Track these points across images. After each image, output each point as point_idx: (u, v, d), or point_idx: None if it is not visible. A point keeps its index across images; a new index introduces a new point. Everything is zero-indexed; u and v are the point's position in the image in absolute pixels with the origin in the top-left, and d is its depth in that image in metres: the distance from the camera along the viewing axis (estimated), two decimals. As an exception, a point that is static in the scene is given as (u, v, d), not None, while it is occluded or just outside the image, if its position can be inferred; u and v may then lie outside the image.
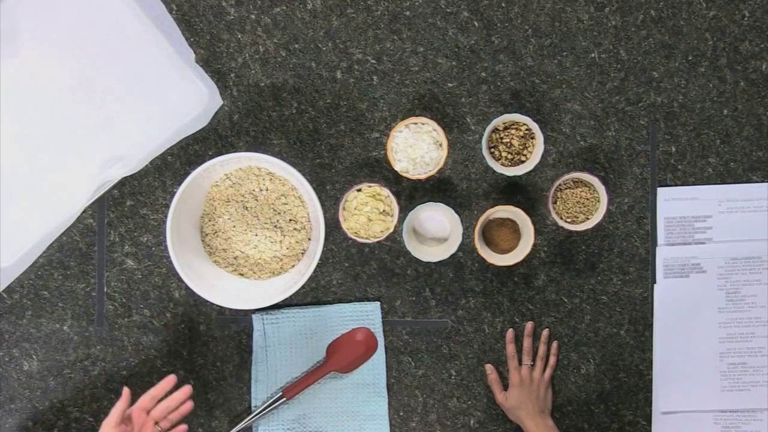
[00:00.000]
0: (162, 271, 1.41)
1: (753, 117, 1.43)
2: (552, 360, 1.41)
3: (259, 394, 1.41)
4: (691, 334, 1.42)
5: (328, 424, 1.41)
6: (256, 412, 1.39)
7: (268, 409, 1.39)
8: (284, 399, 1.39)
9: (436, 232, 1.41)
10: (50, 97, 1.35)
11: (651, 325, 1.43)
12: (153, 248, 1.41)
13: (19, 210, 1.35)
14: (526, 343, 1.40)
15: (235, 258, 1.38)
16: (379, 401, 1.41)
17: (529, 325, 1.41)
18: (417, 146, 1.36)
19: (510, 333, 1.41)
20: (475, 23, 1.41)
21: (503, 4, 1.41)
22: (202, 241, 1.39)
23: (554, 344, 1.41)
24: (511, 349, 1.41)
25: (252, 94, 1.41)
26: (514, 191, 1.42)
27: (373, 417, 1.41)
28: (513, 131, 1.38)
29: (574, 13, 1.41)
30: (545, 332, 1.41)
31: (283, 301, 1.33)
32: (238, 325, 1.42)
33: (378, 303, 1.41)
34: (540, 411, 1.37)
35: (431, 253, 1.39)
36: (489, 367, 1.41)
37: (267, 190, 1.38)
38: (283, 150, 1.41)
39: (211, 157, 1.38)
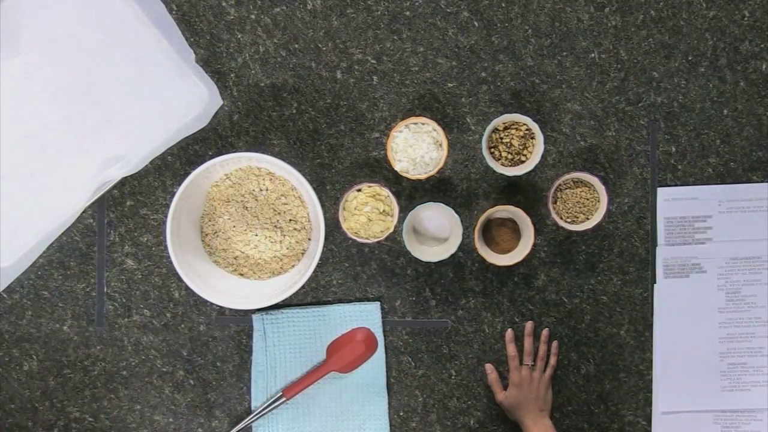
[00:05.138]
0: (162, 271, 1.41)
1: (753, 117, 1.43)
2: (552, 360, 1.41)
3: (259, 394, 1.41)
4: (691, 334, 1.42)
5: (328, 424, 1.41)
6: (256, 412, 1.39)
7: (268, 409, 1.39)
8: (284, 399, 1.39)
9: (436, 232, 1.41)
10: (50, 97, 1.35)
11: (651, 325, 1.43)
12: (153, 248, 1.41)
13: (19, 210, 1.35)
14: (527, 343, 1.40)
15: (235, 258, 1.38)
16: (379, 401, 1.41)
17: (529, 325, 1.41)
18: (417, 146, 1.36)
19: (510, 333, 1.41)
20: (475, 23, 1.41)
21: (503, 4, 1.41)
22: (202, 241, 1.39)
23: (554, 344, 1.41)
24: (512, 348, 1.41)
25: (252, 94, 1.41)
26: (514, 191, 1.42)
27: (373, 417, 1.41)
28: (513, 131, 1.38)
29: (574, 13, 1.41)
30: (545, 332, 1.41)
31: (283, 301, 1.33)
32: (238, 325, 1.42)
33: (378, 303, 1.41)
34: (540, 411, 1.37)
35: (431, 253, 1.39)
36: (489, 367, 1.41)
37: (267, 190, 1.38)
38: (283, 150, 1.41)
39: (211, 157, 1.38)
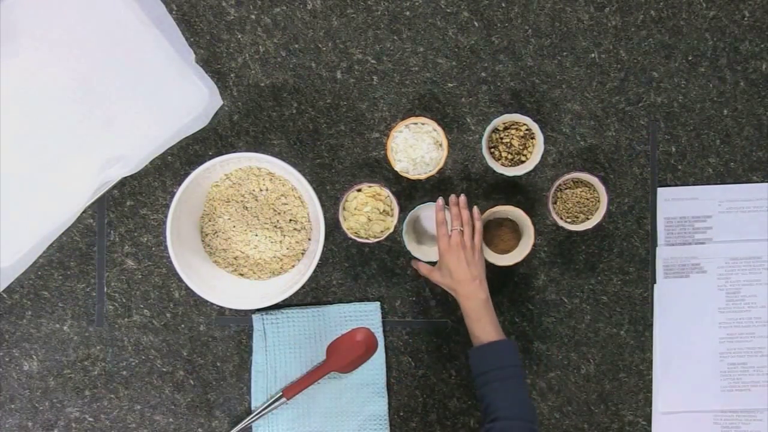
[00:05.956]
0: (162, 271, 1.41)
1: (753, 117, 1.43)
2: (477, 225, 1.32)
3: (259, 394, 1.41)
4: (691, 334, 1.42)
5: (328, 424, 1.41)
6: (256, 412, 1.39)
7: (268, 409, 1.39)
8: (284, 399, 1.39)
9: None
10: (50, 97, 1.35)
11: (651, 325, 1.43)
12: (153, 248, 1.41)
13: (19, 210, 1.35)
14: (454, 209, 1.33)
15: (235, 258, 1.38)
16: (379, 401, 1.41)
17: (454, 197, 1.34)
18: (417, 146, 1.36)
19: (440, 201, 1.34)
20: (475, 23, 1.41)
21: (503, 4, 1.41)
22: (202, 241, 1.39)
23: (475, 209, 1.33)
24: (441, 216, 1.32)
25: (252, 94, 1.41)
26: (514, 191, 1.42)
27: (374, 417, 1.41)
28: (513, 131, 1.38)
29: (574, 13, 1.41)
30: (462, 198, 1.34)
31: (283, 301, 1.33)
32: (238, 325, 1.42)
33: (378, 303, 1.41)
34: (473, 278, 1.29)
35: (431, 253, 1.39)
36: (414, 262, 1.36)
37: (267, 190, 1.38)
38: (283, 150, 1.41)
39: (211, 157, 1.38)
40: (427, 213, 1.40)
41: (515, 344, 1.26)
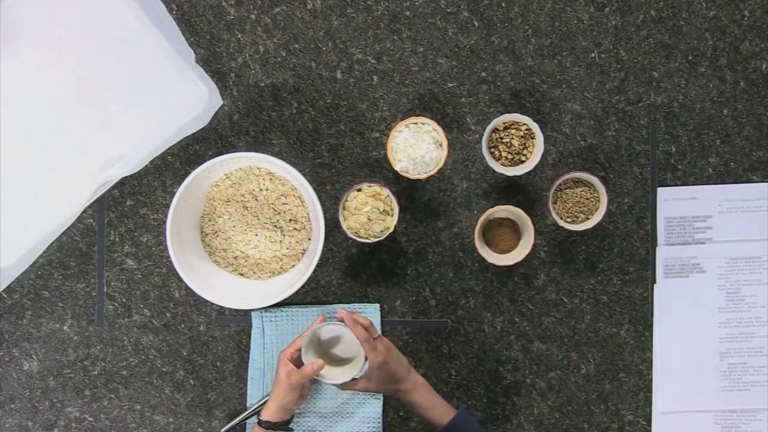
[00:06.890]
0: (162, 271, 1.41)
1: (753, 117, 1.43)
2: (369, 325, 1.27)
3: (254, 392, 1.41)
4: (691, 334, 1.42)
5: (323, 424, 1.41)
6: (251, 409, 1.39)
7: (262, 407, 1.38)
8: (284, 399, 1.38)
9: (341, 351, 1.31)
10: (50, 97, 1.35)
11: (651, 325, 1.43)
12: (153, 248, 1.41)
13: (19, 210, 1.35)
14: (361, 319, 1.27)
15: (235, 258, 1.38)
16: (374, 403, 1.41)
17: (343, 313, 1.26)
18: (417, 146, 1.36)
19: (344, 314, 1.26)
20: (475, 23, 1.41)
21: (503, 4, 1.41)
22: (202, 241, 1.39)
23: (346, 314, 1.26)
24: (362, 331, 1.25)
25: (252, 94, 1.41)
26: (514, 191, 1.42)
27: (368, 419, 1.41)
28: (513, 131, 1.38)
29: (574, 13, 1.41)
30: (342, 312, 1.26)
31: (283, 300, 1.33)
32: (238, 325, 1.42)
33: (378, 304, 1.41)
34: (408, 369, 1.28)
35: (342, 374, 1.28)
36: (342, 387, 1.29)
37: (267, 190, 1.38)
38: (283, 150, 1.41)
39: (211, 157, 1.38)
40: (326, 332, 1.30)
41: (466, 409, 1.31)
